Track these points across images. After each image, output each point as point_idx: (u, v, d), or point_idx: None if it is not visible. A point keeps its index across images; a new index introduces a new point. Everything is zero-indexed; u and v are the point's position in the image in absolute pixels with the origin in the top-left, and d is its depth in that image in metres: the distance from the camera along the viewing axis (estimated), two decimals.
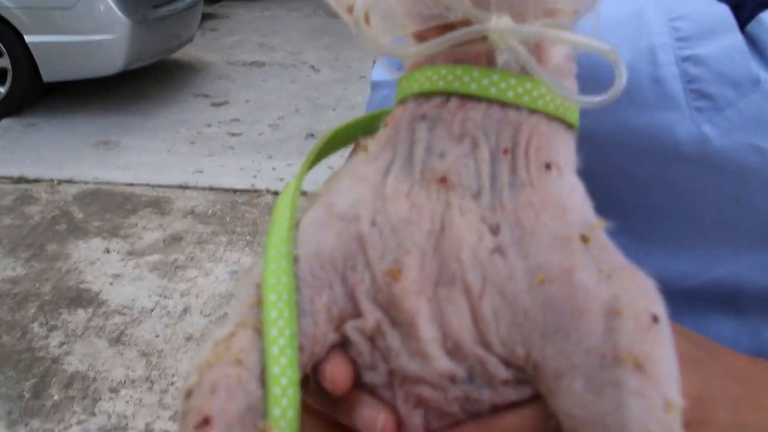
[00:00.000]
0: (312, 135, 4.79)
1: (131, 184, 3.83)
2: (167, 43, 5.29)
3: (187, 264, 3.15)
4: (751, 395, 0.39)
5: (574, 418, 0.28)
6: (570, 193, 0.32)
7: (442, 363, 0.31)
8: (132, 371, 2.50)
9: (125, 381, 2.45)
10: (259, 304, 0.32)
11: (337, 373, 0.32)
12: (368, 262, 0.32)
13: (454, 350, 0.31)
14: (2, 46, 4.51)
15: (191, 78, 5.89)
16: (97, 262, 3.11)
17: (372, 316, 0.32)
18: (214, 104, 5.29)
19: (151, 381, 2.46)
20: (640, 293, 0.30)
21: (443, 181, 0.32)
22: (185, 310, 2.84)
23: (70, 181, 3.83)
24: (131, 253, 3.19)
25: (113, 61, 4.58)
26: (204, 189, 3.86)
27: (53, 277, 2.97)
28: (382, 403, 0.32)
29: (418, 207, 0.32)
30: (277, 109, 5.28)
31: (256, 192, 3.87)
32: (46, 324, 2.69)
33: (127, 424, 2.27)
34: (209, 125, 4.85)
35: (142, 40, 4.73)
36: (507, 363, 0.30)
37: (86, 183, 3.82)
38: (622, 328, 0.28)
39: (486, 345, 0.30)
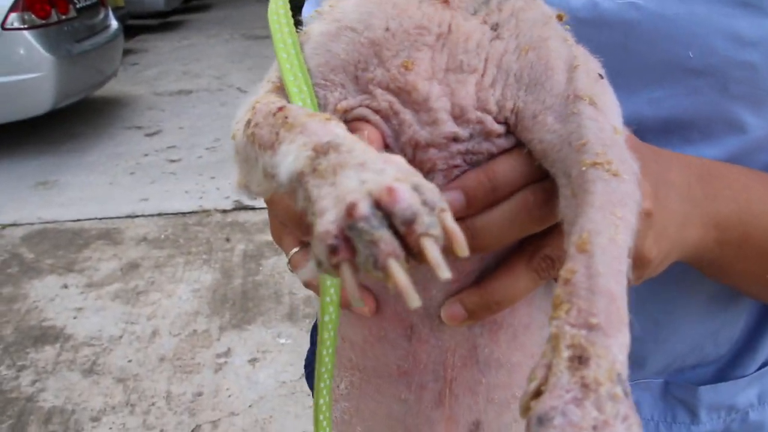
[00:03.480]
0: None
1: (78, 220, 3.79)
2: (92, 78, 5.24)
3: (149, 288, 3.15)
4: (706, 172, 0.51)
5: (545, 142, 0.38)
6: (546, 5, 0.43)
7: (449, 125, 0.39)
8: (110, 398, 2.50)
9: (105, 408, 2.45)
10: (276, 89, 0.41)
11: (372, 134, 0.40)
12: (381, 60, 0.40)
13: (459, 115, 0.40)
14: None
15: (120, 112, 5.83)
16: (56, 298, 3.08)
17: (384, 98, 0.40)
18: (147, 134, 5.27)
19: (131, 405, 2.46)
20: (591, 58, 0.41)
21: (446, 2, 0.40)
22: (154, 333, 2.85)
23: (14, 224, 3.76)
24: (90, 286, 3.17)
25: (42, 100, 4.52)
26: (153, 215, 3.85)
27: (13, 319, 2.93)
28: None
29: (428, 15, 0.40)
30: (211, 131, 5.29)
31: (205, 212, 3.89)
32: (14, 365, 2.66)
33: None
34: (146, 155, 4.82)
35: (68, 77, 4.69)
36: (497, 119, 0.40)
37: (32, 224, 3.77)
38: (579, 77, 0.39)
39: (484, 108, 0.40)
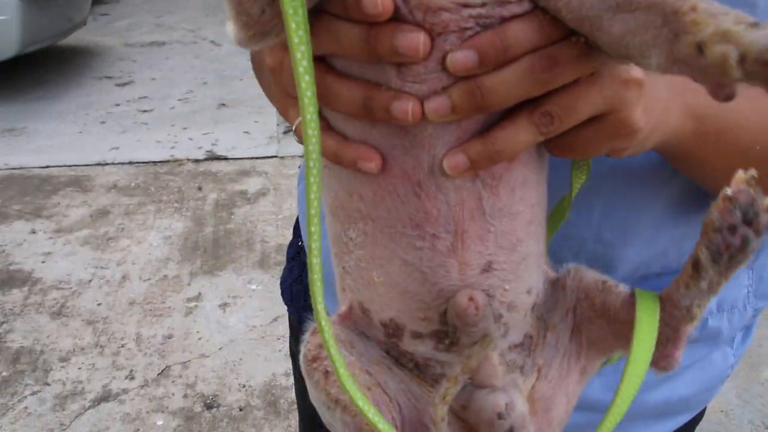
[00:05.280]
0: (224, 104, 4.77)
1: (47, 167, 3.74)
2: (60, 25, 5.11)
3: (119, 235, 3.13)
4: None
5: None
6: None
7: None
8: (80, 339, 2.49)
9: (74, 349, 2.44)
10: None
11: None
12: None
13: None
14: None
15: (90, 61, 5.71)
16: (24, 243, 3.04)
17: None
18: (118, 85, 5.17)
19: (100, 346, 2.47)
20: None
21: None
22: (124, 278, 2.83)
23: None
24: (59, 231, 3.14)
25: (8, 44, 4.41)
26: (123, 164, 3.81)
27: None
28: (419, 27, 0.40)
29: None
30: (184, 83, 5.22)
31: (177, 161, 3.85)
32: None
33: (83, 389, 2.27)
34: (118, 105, 4.75)
35: (34, 21, 4.57)
36: None
37: None
38: None
39: None
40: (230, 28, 0.45)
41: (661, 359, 0.51)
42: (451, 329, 0.49)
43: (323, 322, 0.45)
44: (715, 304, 0.71)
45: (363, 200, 0.48)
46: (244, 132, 4.28)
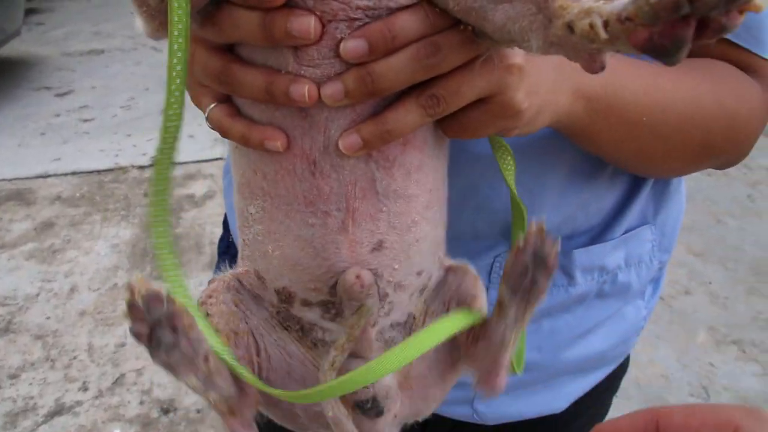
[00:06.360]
0: None
1: None
2: None
3: (65, 246, 3.07)
4: None
5: None
6: None
7: None
8: (29, 355, 2.44)
9: (24, 365, 2.40)
10: None
11: None
12: None
13: None
14: None
15: (26, 72, 5.57)
16: None
17: None
18: (58, 95, 5.06)
19: (51, 360, 2.42)
20: None
21: None
22: (72, 289, 2.79)
23: None
24: (2, 247, 3.06)
25: None
26: (66, 174, 3.73)
27: None
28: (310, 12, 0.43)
29: None
30: (126, 90, 5.13)
31: (122, 169, 3.80)
32: None
33: (35, 404, 2.23)
34: (58, 115, 4.64)
35: None
36: None
37: None
38: None
39: None
40: (138, 22, 0.46)
41: (487, 386, 0.58)
42: (338, 301, 0.52)
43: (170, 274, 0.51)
44: (623, 259, 0.74)
45: (266, 178, 0.50)
46: (189, 136, 4.23)
